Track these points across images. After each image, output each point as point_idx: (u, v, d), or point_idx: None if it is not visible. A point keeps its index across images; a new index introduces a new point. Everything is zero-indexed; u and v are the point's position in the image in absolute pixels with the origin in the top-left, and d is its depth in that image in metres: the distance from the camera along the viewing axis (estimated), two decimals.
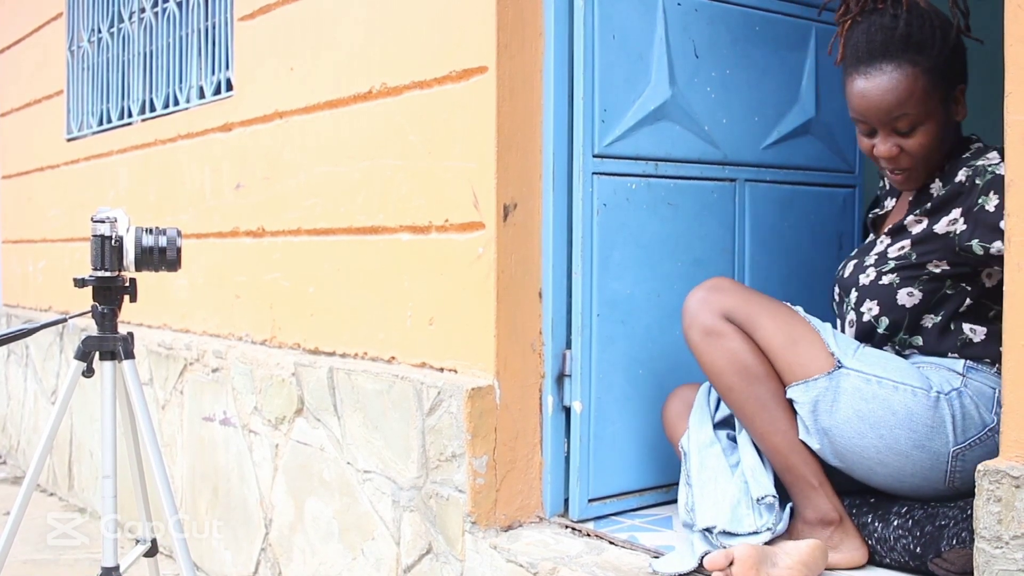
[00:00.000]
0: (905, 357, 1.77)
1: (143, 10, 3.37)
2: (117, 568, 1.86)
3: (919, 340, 1.77)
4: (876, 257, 1.82)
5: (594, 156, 2.00)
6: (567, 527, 2.00)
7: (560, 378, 2.04)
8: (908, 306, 1.75)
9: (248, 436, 2.66)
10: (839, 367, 1.69)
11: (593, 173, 2.00)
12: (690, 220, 2.16)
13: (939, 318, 1.74)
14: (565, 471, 2.05)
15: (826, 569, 1.66)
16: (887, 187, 1.98)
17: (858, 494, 1.78)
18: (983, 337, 1.72)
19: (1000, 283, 1.55)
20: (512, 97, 1.98)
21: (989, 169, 1.64)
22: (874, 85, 1.70)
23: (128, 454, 1.95)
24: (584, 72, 1.98)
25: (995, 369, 1.68)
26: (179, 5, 3.14)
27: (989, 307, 1.71)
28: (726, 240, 2.23)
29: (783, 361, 1.73)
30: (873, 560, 1.72)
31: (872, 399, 1.66)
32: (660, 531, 1.97)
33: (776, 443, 1.72)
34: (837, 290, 1.92)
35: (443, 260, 2.10)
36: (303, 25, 2.54)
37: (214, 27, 2.97)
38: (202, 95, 3.04)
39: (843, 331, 1.88)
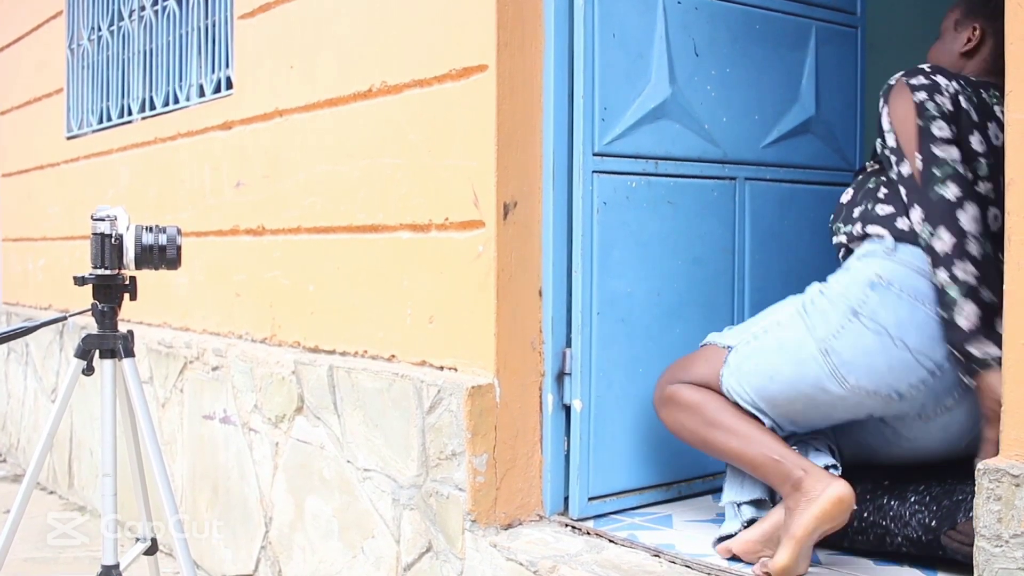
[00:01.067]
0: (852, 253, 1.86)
1: (143, 8, 3.37)
2: (117, 566, 1.86)
3: (853, 229, 1.84)
4: None
5: (594, 154, 2.00)
6: (567, 525, 2.00)
7: (560, 376, 2.04)
8: (843, 201, 1.91)
9: (248, 434, 2.66)
10: (727, 349, 1.84)
11: (593, 171, 2.00)
12: (690, 218, 2.16)
13: (861, 205, 1.85)
14: (565, 469, 2.05)
15: (818, 516, 1.63)
16: None
17: (872, 479, 1.78)
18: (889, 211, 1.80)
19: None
20: (512, 95, 1.98)
21: (889, 82, 1.80)
22: None
23: (128, 452, 1.95)
24: (584, 70, 1.98)
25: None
26: (179, 3, 3.14)
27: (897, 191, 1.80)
28: (726, 238, 2.23)
29: (710, 378, 1.85)
30: (883, 542, 1.72)
31: (754, 354, 1.80)
32: (660, 529, 1.97)
33: (753, 455, 1.76)
34: None
35: (443, 258, 2.10)
36: (303, 23, 2.54)
37: (214, 25, 2.97)
38: (202, 93, 3.04)
39: None
